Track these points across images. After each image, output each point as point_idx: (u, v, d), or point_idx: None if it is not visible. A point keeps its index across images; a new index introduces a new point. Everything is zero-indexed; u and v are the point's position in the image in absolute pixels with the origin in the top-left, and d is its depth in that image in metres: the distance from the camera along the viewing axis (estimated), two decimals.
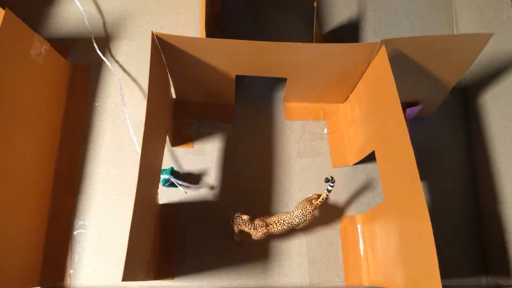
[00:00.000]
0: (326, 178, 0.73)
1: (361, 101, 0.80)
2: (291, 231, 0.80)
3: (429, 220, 0.54)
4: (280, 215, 0.73)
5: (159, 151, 0.75)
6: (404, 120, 0.61)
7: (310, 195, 0.80)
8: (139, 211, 0.59)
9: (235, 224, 0.70)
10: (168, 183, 0.78)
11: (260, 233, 0.71)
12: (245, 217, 0.70)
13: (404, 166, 0.61)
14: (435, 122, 0.90)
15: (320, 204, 0.75)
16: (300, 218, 0.72)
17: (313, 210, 0.73)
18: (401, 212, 0.63)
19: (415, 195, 0.58)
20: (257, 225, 0.71)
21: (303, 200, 0.76)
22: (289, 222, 0.72)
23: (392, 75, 0.64)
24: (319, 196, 0.76)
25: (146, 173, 0.63)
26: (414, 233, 0.58)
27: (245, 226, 0.70)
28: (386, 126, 0.67)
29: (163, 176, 0.77)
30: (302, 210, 0.72)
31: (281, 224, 0.72)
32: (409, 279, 0.59)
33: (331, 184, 0.73)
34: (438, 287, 0.51)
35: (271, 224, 0.72)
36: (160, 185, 0.77)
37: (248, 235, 0.73)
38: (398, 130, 0.62)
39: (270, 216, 0.74)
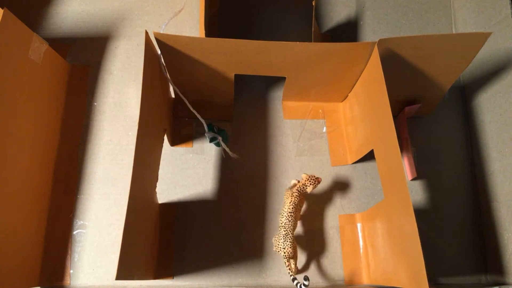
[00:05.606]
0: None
1: (360, 100, 0.80)
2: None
3: (414, 216, 0.56)
4: (280, 218, 0.73)
5: (156, 150, 0.75)
6: (392, 119, 0.62)
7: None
8: (133, 209, 0.59)
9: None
10: (214, 142, 0.82)
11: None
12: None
13: (393, 165, 0.62)
14: (434, 120, 0.90)
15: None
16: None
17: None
18: (398, 210, 0.63)
19: (403, 191, 0.59)
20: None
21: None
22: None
23: (383, 75, 0.64)
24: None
25: (141, 171, 0.63)
26: (407, 230, 0.59)
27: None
28: (381, 125, 0.68)
29: (213, 134, 0.80)
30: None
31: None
32: (412, 277, 0.59)
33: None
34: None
35: (284, 226, 0.72)
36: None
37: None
38: (388, 129, 0.63)
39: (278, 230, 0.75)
